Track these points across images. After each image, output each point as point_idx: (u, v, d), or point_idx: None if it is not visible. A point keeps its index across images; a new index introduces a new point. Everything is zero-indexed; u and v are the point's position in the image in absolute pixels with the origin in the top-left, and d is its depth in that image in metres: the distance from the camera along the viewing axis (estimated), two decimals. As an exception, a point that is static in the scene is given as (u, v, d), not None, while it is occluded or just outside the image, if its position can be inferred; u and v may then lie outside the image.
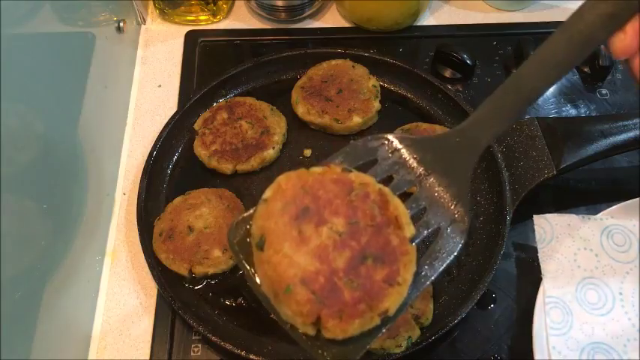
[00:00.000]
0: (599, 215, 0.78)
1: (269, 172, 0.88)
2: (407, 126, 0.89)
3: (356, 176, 0.52)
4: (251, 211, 0.53)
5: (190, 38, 1.04)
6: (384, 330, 0.49)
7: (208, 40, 1.04)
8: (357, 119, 0.89)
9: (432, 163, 0.56)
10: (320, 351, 0.49)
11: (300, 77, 0.95)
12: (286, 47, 1.00)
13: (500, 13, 1.08)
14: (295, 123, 0.92)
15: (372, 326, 0.49)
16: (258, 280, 0.51)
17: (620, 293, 0.73)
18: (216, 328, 0.74)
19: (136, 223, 0.81)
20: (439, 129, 0.88)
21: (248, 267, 0.51)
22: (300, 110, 0.91)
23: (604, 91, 0.98)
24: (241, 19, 1.08)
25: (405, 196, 0.55)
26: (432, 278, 0.52)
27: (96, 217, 0.83)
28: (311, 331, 0.48)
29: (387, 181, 0.55)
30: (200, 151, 0.87)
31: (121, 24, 0.94)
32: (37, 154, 0.67)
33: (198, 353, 0.74)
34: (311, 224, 0.48)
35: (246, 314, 0.76)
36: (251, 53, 1.03)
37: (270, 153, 0.87)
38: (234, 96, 0.94)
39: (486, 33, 1.05)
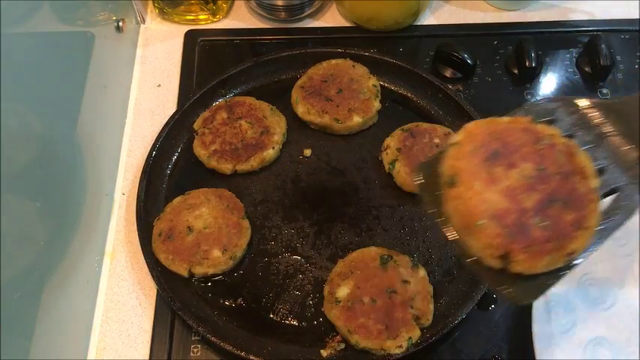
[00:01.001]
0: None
1: (269, 172, 0.88)
2: (407, 125, 0.89)
3: (542, 127, 0.55)
4: (433, 155, 0.56)
5: (190, 38, 1.04)
6: (566, 273, 0.51)
7: (208, 39, 1.04)
8: (357, 119, 0.89)
9: (613, 125, 0.57)
10: (504, 286, 0.51)
11: (300, 77, 0.94)
12: (286, 47, 0.99)
13: (501, 13, 1.08)
14: (295, 123, 0.92)
15: (557, 266, 0.51)
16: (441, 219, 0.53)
17: (622, 288, 0.72)
18: (216, 328, 0.74)
19: (135, 223, 0.80)
20: (440, 129, 0.88)
21: (433, 205, 0.54)
22: (300, 110, 0.91)
23: (605, 91, 0.98)
24: (241, 18, 1.07)
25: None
26: (611, 234, 0.53)
27: (95, 217, 0.82)
28: (497, 265, 0.50)
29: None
30: (200, 151, 0.87)
31: (121, 23, 0.94)
32: (36, 153, 0.67)
33: (198, 354, 0.74)
34: (501, 167, 0.51)
35: (246, 315, 0.76)
36: (251, 53, 1.03)
37: (270, 153, 0.87)
38: (234, 96, 0.94)
39: (487, 32, 1.05)
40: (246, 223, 0.81)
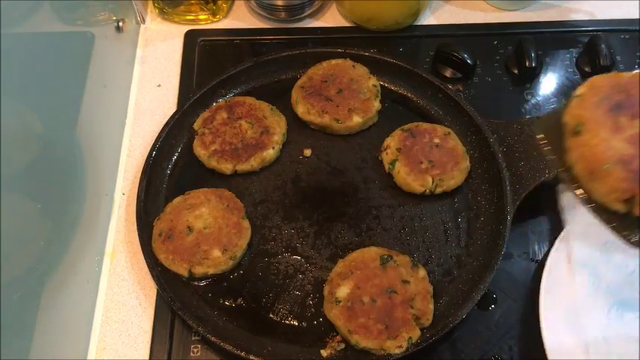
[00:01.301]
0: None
1: (269, 172, 0.88)
2: (407, 125, 0.89)
3: None
4: (553, 110, 0.56)
5: (190, 38, 1.04)
6: None
7: (208, 39, 1.04)
8: (357, 119, 0.89)
9: None
10: (626, 232, 0.54)
11: (300, 77, 0.94)
12: (286, 47, 0.99)
13: (501, 13, 1.08)
14: (295, 123, 0.92)
15: None
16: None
17: None
18: (216, 328, 0.74)
19: (135, 223, 0.80)
20: (440, 129, 0.88)
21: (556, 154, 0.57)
22: (300, 110, 0.91)
23: (604, 91, 0.98)
24: (241, 18, 1.07)
25: None
26: None
27: (95, 218, 0.82)
28: (622, 209, 0.52)
29: None
30: (199, 151, 0.87)
31: (121, 23, 0.94)
32: (36, 154, 0.67)
33: (198, 354, 0.74)
34: (625, 117, 0.52)
35: (246, 314, 0.76)
36: (251, 53, 1.03)
37: (270, 153, 0.87)
38: (234, 96, 0.94)
39: (487, 32, 1.05)
40: (246, 223, 0.81)
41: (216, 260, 0.77)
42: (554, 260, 0.70)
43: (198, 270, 0.77)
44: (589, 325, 0.67)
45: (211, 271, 0.77)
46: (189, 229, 0.79)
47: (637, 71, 0.58)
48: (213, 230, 0.79)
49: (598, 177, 0.53)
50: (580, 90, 0.57)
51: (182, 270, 0.77)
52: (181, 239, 0.78)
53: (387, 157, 0.86)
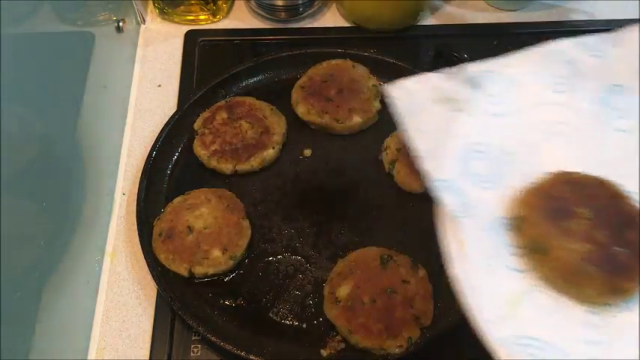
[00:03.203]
0: (460, 67, 0.66)
1: (269, 172, 0.88)
2: (407, 126, 0.89)
3: (576, 175, 0.62)
4: None
5: (190, 38, 1.04)
6: None
7: (208, 39, 1.04)
8: (357, 119, 0.89)
9: None
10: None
11: (300, 77, 0.94)
12: (286, 47, 0.99)
13: (501, 13, 1.08)
14: (295, 123, 0.92)
15: None
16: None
17: (505, 152, 0.62)
18: (216, 328, 0.74)
19: (135, 223, 0.81)
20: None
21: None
22: (300, 110, 0.91)
23: (604, 91, 0.98)
24: (241, 18, 1.07)
25: None
26: None
27: (95, 217, 0.82)
28: (613, 299, 0.55)
29: None
30: (200, 151, 0.87)
31: (121, 23, 0.94)
32: (36, 154, 0.67)
33: (198, 354, 0.74)
34: (568, 220, 0.56)
35: (246, 314, 0.76)
36: (251, 53, 1.03)
37: (270, 153, 0.87)
38: (234, 96, 0.94)
39: (487, 33, 1.05)
40: (246, 223, 0.81)
41: (216, 260, 0.77)
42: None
43: (199, 270, 0.77)
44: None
45: (211, 271, 0.77)
46: (190, 229, 0.79)
47: (550, 176, 0.61)
48: (213, 230, 0.79)
49: (578, 282, 0.55)
50: (518, 212, 0.59)
51: (182, 270, 0.77)
52: (181, 239, 0.78)
53: (387, 157, 0.86)
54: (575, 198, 0.58)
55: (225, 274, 0.79)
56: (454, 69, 0.65)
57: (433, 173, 0.60)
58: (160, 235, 0.79)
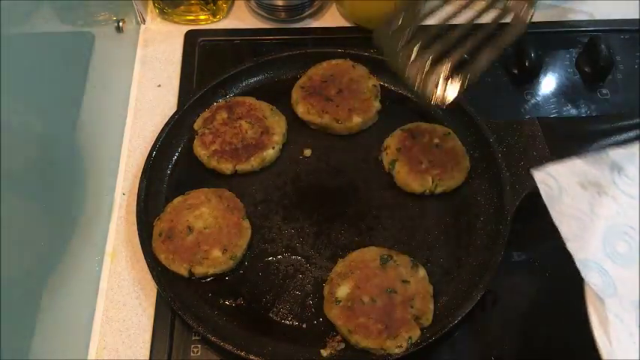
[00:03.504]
0: (604, 151, 0.69)
1: (269, 172, 0.88)
2: (407, 125, 0.89)
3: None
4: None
5: (190, 38, 1.04)
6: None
7: (208, 39, 1.04)
8: (357, 119, 0.89)
9: None
10: None
11: (300, 77, 0.94)
12: (286, 47, 0.99)
13: (501, 13, 1.08)
14: (295, 123, 0.92)
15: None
16: None
17: None
18: (216, 328, 0.74)
19: (135, 223, 0.80)
20: (440, 129, 0.88)
21: None
22: (300, 110, 0.91)
23: (604, 91, 0.98)
24: (241, 18, 1.07)
25: None
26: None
27: (95, 217, 0.82)
28: None
29: None
30: (200, 151, 0.87)
31: (121, 23, 0.94)
32: (36, 154, 0.67)
33: (198, 354, 0.74)
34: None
35: (246, 314, 0.76)
36: (251, 53, 1.03)
37: (270, 153, 0.87)
38: (234, 96, 0.94)
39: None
40: (246, 223, 0.81)
41: (217, 260, 0.77)
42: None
43: (199, 270, 0.77)
44: None
45: (211, 271, 0.77)
46: (190, 229, 0.79)
47: None
48: (213, 230, 0.79)
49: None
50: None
51: (182, 270, 0.77)
52: (181, 239, 0.78)
53: (387, 157, 0.86)
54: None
55: (225, 274, 0.79)
56: (597, 154, 0.69)
57: (578, 254, 0.64)
58: (160, 235, 0.79)
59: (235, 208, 0.81)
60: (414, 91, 0.73)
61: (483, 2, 0.73)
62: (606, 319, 0.60)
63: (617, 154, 0.68)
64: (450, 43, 0.72)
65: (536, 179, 0.68)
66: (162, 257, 0.77)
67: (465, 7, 0.74)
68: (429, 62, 0.72)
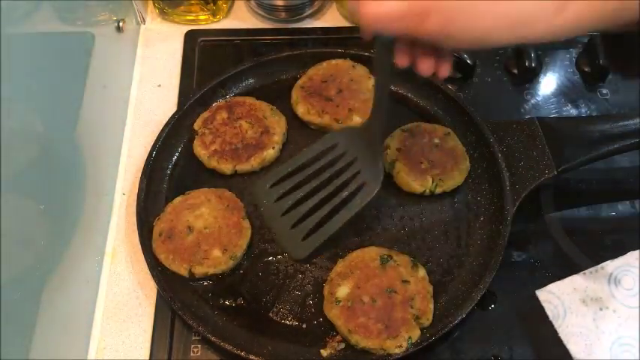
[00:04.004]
0: (600, 265, 0.73)
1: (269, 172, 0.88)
2: (407, 125, 0.89)
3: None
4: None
5: (190, 38, 1.04)
6: None
7: (208, 39, 1.04)
8: (357, 119, 0.89)
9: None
10: None
11: (300, 77, 0.94)
12: (286, 47, 0.99)
13: (501, 13, 1.08)
14: (295, 123, 0.92)
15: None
16: None
17: None
18: (216, 328, 0.74)
19: (135, 223, 0.80)
20: (440, 129, 0.88)
21: None
22: (300, 110, 0.91)
23: (605, 91, 0.98)
24: (241, 18, 1.07)
25: None
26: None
27: (95, 218, 0.82)
28: None
29: None
30: (200, 151, 0.87)
31: (121, 23, 0.94)
32: (36, 154, 0.67)
33: (198, 354, 0.74)
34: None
35: (246, 314, 0.76)
36: (251, 53, 1.02)
37: (270, 153, 0.87)
38: (234, 96, 0.94)
39: (486, 33, 1.04)
40: (246, 223, 0.81)
41: (217, 260, 0.77)
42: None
43: (199, 270, 0.77)
44: None
45: (211, 270, 0.77)
46: (190, 229, 0.79)
47: None
48: (213, 230, 0.79)
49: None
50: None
51: (182, 270, 0.77)
52: (181, 239, 0.78)
53: (387, 157, 0.86)
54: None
55: (225, 273, 0.79)
56: (595, 269, 0.72)
57: None
58: (160, 235, 0.79)
59: (235, 208, 0.81)
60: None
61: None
62: None
63: (612, 266, 0.71)
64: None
65: (540, 299, 0.72)
66: (162, 257, 0.77)
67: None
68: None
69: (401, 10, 0.55)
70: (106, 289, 0.80)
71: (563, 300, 0.72)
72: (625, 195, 0.85)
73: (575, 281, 0.73)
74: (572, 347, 0.69)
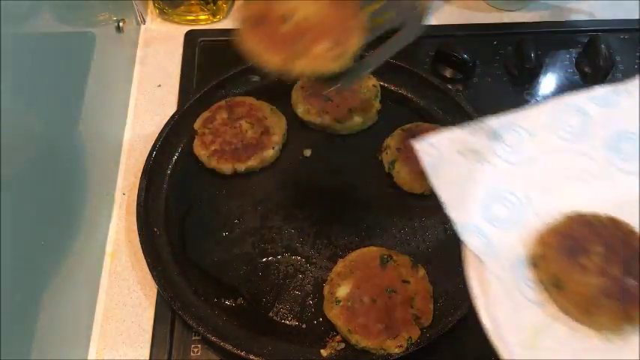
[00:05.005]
0: (483, 121, 0.70)
1: (269, 172, 0.88)
2: (407, 125, 0.89)
3: (589, 215, 0.65)
4: None
5: (190, 38, 1.04)
6: None
7: (208, 39, 1.04)
8: (357, 119, 0.89)
9: None
10: None
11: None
12: (286, 47, 0.99)
13: (501, 13, 1.08)
14: (295, 123, 0.92)
15: None
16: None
17: (524, 197, 0.66)
18: (216, 328, 0.74)
19: (135, 223, 0.81)
20: (440, 129, 0.88)
21: None
22: (300, 110, 0.91)
23: (604, 91, 0.98)
24: (241, 18, 1.07)
25: None
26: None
27: (96, 217, 0.82)
28: (626, 327, 0.58)
29: None
30: (200, 151, 0.87)
31: (121, 24, 0.94)
32: (37, 154, 0.67)
33: (198, 353, 0.74)
34: (582, 256, 0.61)
35: (246, 314, 0.76)
36: (251, 53, 1.02)
37: (270, 153, 0.87)
38: (234, 96, 0.94)
39: (486, 33, 1.05)
40: (359, 21, 0.66)
41: (322, 56, 0.62)
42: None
43: (298, 65, 0.61)
44: None
45: (313, 68, 0.62)
46: (285, 17, 0.62)
47: (565, 219, 0.64)
48: (317, 21, 0.62)
49: (595, 313, 0.59)
50: (537, 251, 0.63)
51: (276, 62, 0.61)
52: (276, 27, 0.62)
53: (387, 157, 0.86)
54: (588, 236, 0.62)
55: (225, 273, 0.78)
56: (478, 124, 0.70)
57: (457, 218, 0.64)
58: (248, 21, 0.64)
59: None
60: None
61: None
62: (486, 280, 0.62)
63: (496, 122, 0.70)
64: None
65: (417, 149, 0.68)
66: (249, 46, 0.63)
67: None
68: None
69: None
70: (106, 289, 0.80)
71: (441, 150, 0.69)
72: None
73: (455, 134, 0.70)
74: (444, 195, 0.66)
